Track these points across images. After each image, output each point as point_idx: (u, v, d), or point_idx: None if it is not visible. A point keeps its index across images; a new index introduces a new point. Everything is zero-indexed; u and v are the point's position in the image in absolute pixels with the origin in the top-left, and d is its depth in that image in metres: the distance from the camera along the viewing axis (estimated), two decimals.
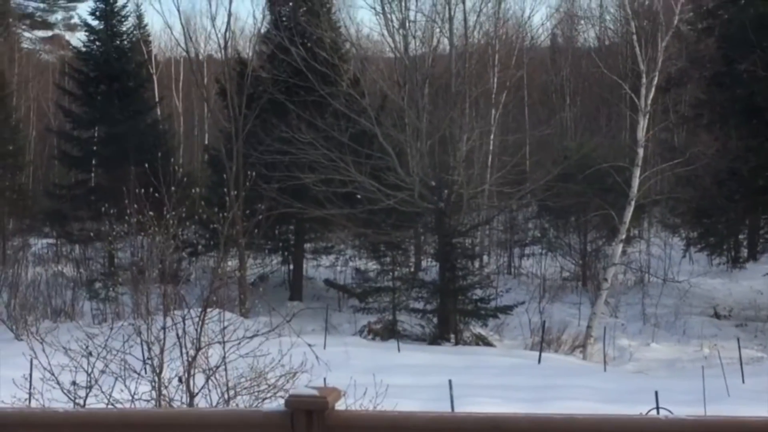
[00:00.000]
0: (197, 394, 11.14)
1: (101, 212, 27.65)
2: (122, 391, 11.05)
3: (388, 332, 27.13)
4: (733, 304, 30.92)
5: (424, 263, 32.99)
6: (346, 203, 28.57)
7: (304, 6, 31.15)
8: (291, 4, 31.87)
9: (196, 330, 11.44)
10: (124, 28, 38.36)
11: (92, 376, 11.15)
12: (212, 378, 11.21)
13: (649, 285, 32.26)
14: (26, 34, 63.42)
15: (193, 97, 49.06)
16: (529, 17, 74.64)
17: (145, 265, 15.34)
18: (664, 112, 34.97)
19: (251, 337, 11.64)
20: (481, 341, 26.87)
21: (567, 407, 15.62)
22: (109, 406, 10.55)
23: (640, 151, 26.53)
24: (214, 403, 10.99)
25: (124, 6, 37.89)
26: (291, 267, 33.62)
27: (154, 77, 44.04)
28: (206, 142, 46.02)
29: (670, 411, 13.20)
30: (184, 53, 38.77)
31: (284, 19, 31.45)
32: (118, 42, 37.41)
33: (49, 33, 64.91)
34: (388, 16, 30.02)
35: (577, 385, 19.69)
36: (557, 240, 35.91)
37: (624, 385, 20.27)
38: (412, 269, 32.03)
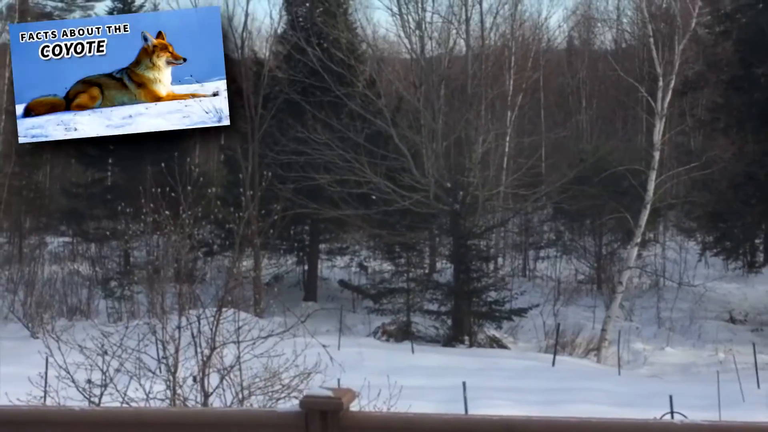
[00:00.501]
0: (212, 393, 11.18)
1: (117, 211, 27.53)
2: (137, 389, 11.10)
3: (402, 334, 27.10)
4: (749, 308, 30.77)
5: (438, 265, 32.93)
6: (361, 204, 28.57)
7: (320, 6, 31.14)
8: (308, 4, 31.87)
9: (211, 329, 11.47)
10: None
11: (107, 374, 11.21)
12: (227, 378, 11.24)
13: (664, 289, 32.11)
14: None
15: None
16: (545, 19, 74.09)
17: (161, 264, 15.36)
18: (680, 115, 34.82)
19: (266, 337, 11.68)
20: (496, 343, 26.83)
21: (581, 410, 15.58)
22: (124, 405, 10.60)
23: (656, 155, 26.44)
24: (228, 403, 11.02)
25: (141, 5, 38.02)
26: (306, 267, 33.61)
27: None
28: (222, 141, 46.07)
29: (684, 415, 13.17)
30: None
31: (301, 19, 31.49)
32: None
33: None
34: (405, 17, 30.02)
35: (591, 388, 19.65)
36: (572, 243, 35.81)
37: (638, 389, 20.20)
38: (427, 271, 32.00)
